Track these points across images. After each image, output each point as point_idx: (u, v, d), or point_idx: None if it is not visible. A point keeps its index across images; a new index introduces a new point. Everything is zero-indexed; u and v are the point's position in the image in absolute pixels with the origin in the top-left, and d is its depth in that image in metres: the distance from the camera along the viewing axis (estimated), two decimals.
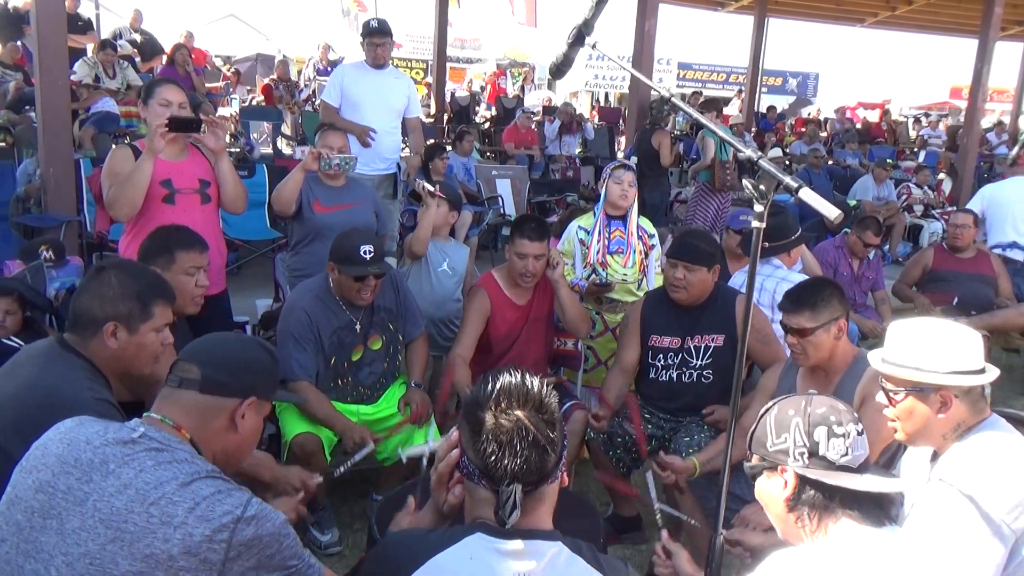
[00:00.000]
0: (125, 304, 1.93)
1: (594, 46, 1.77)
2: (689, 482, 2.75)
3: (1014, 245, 5.68)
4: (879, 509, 1.53)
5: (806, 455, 1.55)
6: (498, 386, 1.34)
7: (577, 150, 11.40)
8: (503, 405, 1.32)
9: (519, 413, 1.31)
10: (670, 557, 1.89)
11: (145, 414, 1.53)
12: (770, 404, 1.67)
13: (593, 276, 3.74)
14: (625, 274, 3.77)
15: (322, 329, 3.02)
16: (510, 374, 1.35)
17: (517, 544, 1.32)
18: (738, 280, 3.83)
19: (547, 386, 1.37)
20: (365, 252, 2.95)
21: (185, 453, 1.44)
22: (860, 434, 1.58)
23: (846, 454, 1.54)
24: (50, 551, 1.34)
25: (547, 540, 1.35)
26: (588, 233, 3.82)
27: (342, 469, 2.69)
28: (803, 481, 1.55)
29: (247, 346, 1.67)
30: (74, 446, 1.42)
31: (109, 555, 1.31)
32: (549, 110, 12.97)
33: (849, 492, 1.51)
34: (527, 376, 1.36)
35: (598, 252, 3.77)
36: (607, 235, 3.80)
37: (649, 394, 3.19)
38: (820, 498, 1.53)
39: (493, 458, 1.30)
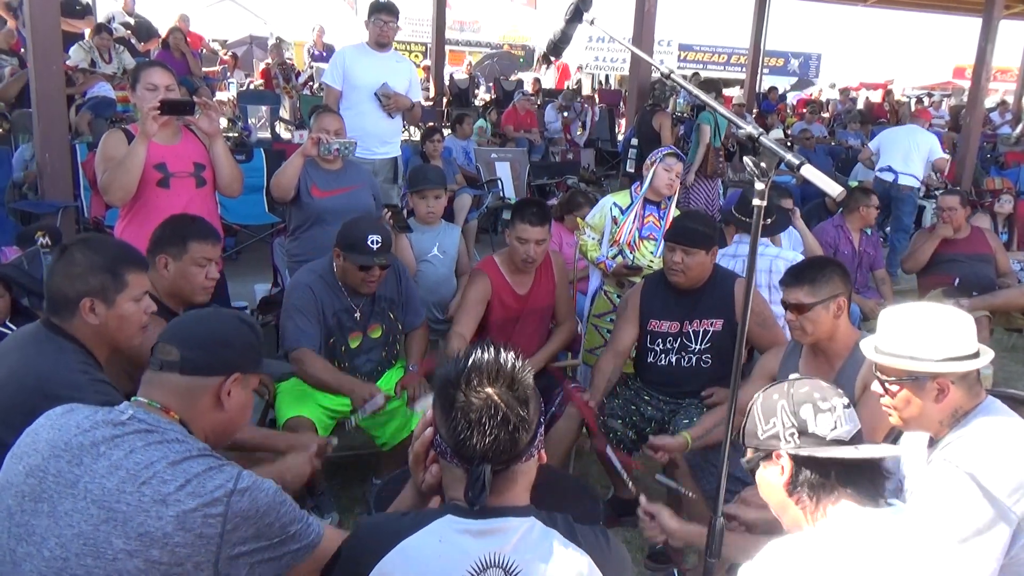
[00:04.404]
0: (95, 278, 1.90)
1: (592, 22, 1.73)
2: (688, 462, 2.74)
3: (892, 170, 7.12)
4: (873, 485, 1.52)
5: (796, 435, 1.55)
6: (470, 363, 1.31)
7: (579, 132, 11.35)
8: (474, 382, 1.30)
9: (489, 390, 1.29)
10: (654, 518, 1.93)
11: (133, 398, 1.52)
12: (756, 396, 1.66)
13: (620, 257, 3.71)
14: (652, 261, 3.74)
15: (324, 306, 3.01)
16: (484, 351, 1.33)
17: (487, 523, 1.31)
18: (729, 251, 3.82)
19: (523, 363, 1.34)
20: (373, 242, 2.92)
21: (175, 433, 1.44)
22: (847, 407, 1.57)
23: (835, 428, 1.54)
24: (42, 534, 1.34)
25: (519, 516, 1.33)
26: (623, 212, 3.77)
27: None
28: (798, 462, 1.54)
29: (226, 322, 1.63)
30: (64, 431, 1.42)
31: (103, 535, 1.31)
32: (548, 93, 12.89)
33: (844, 466, 1.51)
34: (501, 352, 1.33)
35: (630, 232, 3.73)
36: (642, 218, 3.76)
37: (648, 378, 3.17)
38: (816, 477, 1.52)
39: (463, 436, 1.28)
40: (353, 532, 1.41)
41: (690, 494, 2.66)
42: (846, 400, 1.59)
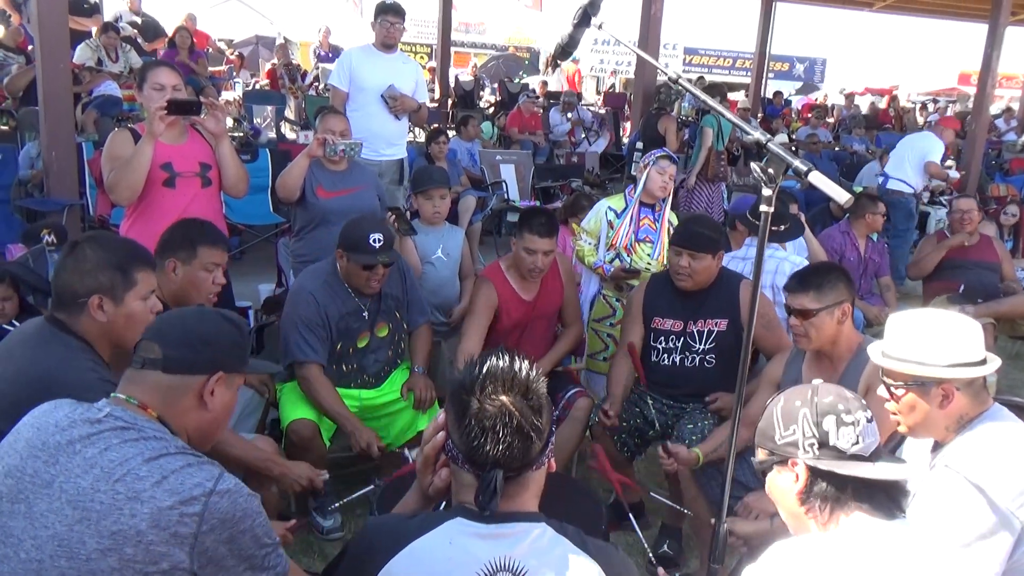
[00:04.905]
0: (105, 275, 1.89)
1: (600, 26, 1.73)
2: (693, 471, 2.74)
3: (885, 175, 7.40)
4: (891, 500, 1.50)
5: (816, 446, 1.51)
6: (485, 369, 1.31)
7: (582, 135, 11.36)
8: (488, 390, 1.29)
9: (504, 398, 1.28)
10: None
11: (112, 395, 1.50)
12: (776, 397, 1.63)
13: (617, 261, 3.71)
14: (649, 263, 3.74)
15: (329, 314, 3.01)
16: (498, 357, 1.32)
17: (497, 527, 1.30)
18: (739, 253, 3.82)
19: (537, 371, 1.33)
20: (375, 241, 2.93)
21: (153, 430, 1.42)
22: (870, 421, 1.53)
23: (857, 442, 1.50)
24: (19, 535, 1.33)
25: (529, 522, 1.33)
26: (618, 216, 3.77)
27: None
28: (814, 473, 1.51)
29: (209, 320, 1.60)
30: (43, 430, 1.41)
31: (76, 535, 1.30)
32: (553, 95, 12.90)
33: (862, 482, 1.48)
34: (516, 359, 1.32)
35: (626, 236, 3.73)
36: (637, 221, 3.76)
37: (652, 378, 3.17)
38: (832, 490, 1.49)
39: (476, 443, 1.28)
40: (360, 532, 1.41)
41: (685, 511, 2.67)
42: (870, 414, 1.55)
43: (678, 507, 2.69)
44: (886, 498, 1.49)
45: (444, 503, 1.47)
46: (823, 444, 1.50)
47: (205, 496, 1.33)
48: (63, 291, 1.91)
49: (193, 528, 1.31)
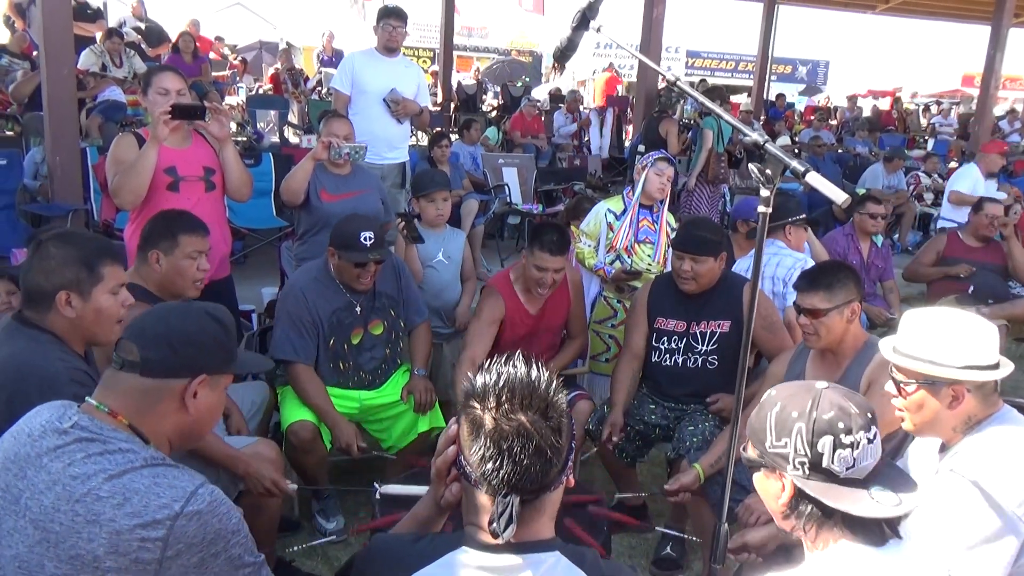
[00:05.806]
0: (71, 271, 1.88)
1: (599, 29, 1.74)
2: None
3: (944, 218, 7.44)
4: (887, 527, 1.40)
5: (807, 466, 1.39)
6: (501, 382, 1.20)
7: (586, 138, 11.39)
8: (505, 407, 1.18)
9: (522, 417, 1.17)
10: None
11: (86, 399, 1.43)
12: (773, 393, 1.49)
13: (617, 262, 3.72)
14: (650, 264, 3.75)
15: (320, 310, 3.02)
16: (515, 367, 1.21)
17: (507, 559, 1.20)
18: (740, 267, 3.82)
19: (555, 384, 1.23)
20: (365, 238, 2.94)
21: (120, 442, 1.34)
22: (871, 441, 1.40)
23: (852, 466, 1.38)
24: None
25: (542, 551, 1.22)
26: (617, 218, 3.79)
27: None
28: (801, 494, 1.41)
29: (192, 319, 1.49)
30: (18, 441, 1.35)
31: (36, 557, 1.24)
32: (556, 98, 12.93)
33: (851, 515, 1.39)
34: (533, 370, 1.22)
35: (626, 237, 3.74)
36: (637, 223, 3.77)
37: (654, 379, 3.17)
38: (818, 513, 1.40)
39: (490, 464, 1.17)
40: (367, 549, 1.34)
41: (696, 539, 2.67)
42: (873, 432, 1.41)
43: (688, 536, 2.68)
44: (877, 527, 1.38)
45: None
46: (815, 466, 1.39)
47: (170, 519, 1.24)
48: (31, 289, 1.89)
49: (157, 554, 1.23)
